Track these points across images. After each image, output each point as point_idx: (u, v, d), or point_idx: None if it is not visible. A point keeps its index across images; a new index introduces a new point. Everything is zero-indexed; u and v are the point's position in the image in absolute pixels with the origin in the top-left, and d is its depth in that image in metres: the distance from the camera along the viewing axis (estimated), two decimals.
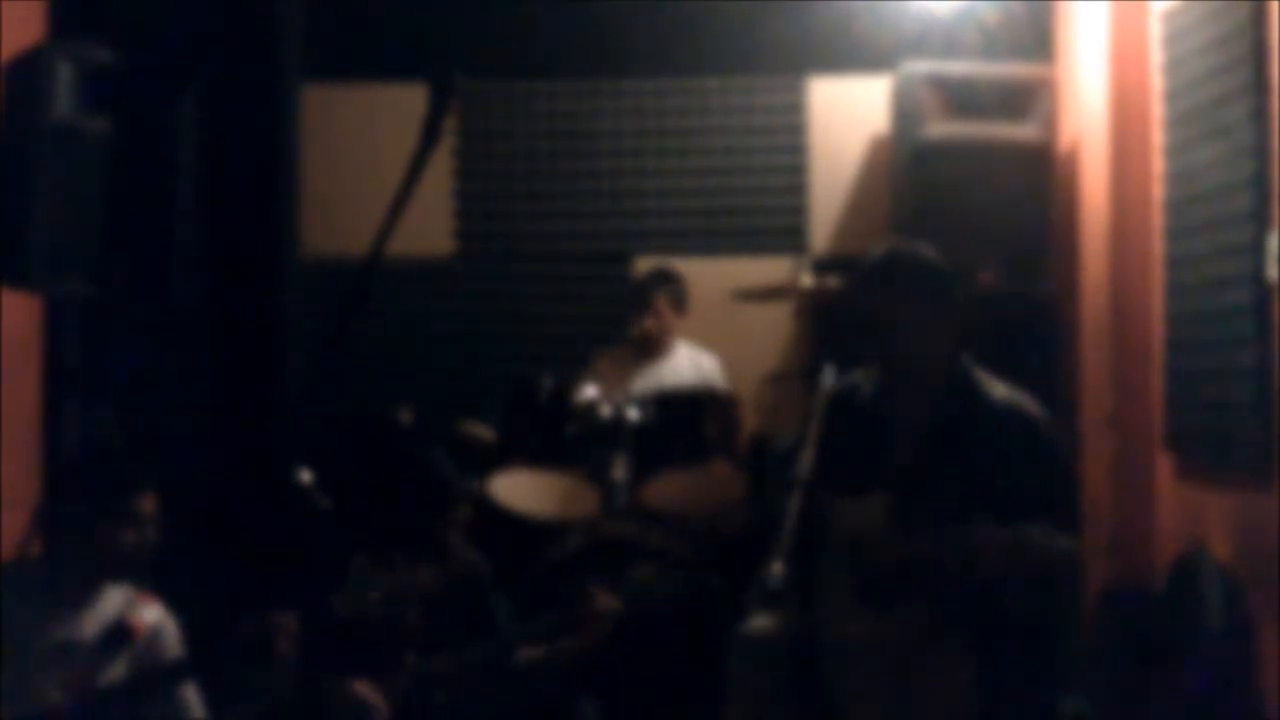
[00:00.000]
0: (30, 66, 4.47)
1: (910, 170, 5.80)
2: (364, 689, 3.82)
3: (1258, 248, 4.15)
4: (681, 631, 4.47)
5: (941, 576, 3.73)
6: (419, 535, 4.17)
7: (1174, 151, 4.80)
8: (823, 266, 6.28)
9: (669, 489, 5.31)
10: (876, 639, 3.78)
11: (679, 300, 6.11)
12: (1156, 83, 4.96)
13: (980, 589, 3.74)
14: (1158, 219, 4.94)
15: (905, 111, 5.88)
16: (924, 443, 3.91)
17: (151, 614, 3.75)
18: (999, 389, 3.92)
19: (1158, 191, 4.93)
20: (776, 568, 3.57)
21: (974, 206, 5.67)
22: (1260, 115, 4.16)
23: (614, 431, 5.29)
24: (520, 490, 5.33)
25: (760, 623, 3.88)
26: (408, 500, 4.19)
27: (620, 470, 5.24)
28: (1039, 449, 3.85)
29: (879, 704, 3.77)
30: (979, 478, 3.76)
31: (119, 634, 3.67)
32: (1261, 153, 4.15)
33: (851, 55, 6.51)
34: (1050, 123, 5.82)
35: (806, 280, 5.72)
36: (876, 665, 3.77)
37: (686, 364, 6.10)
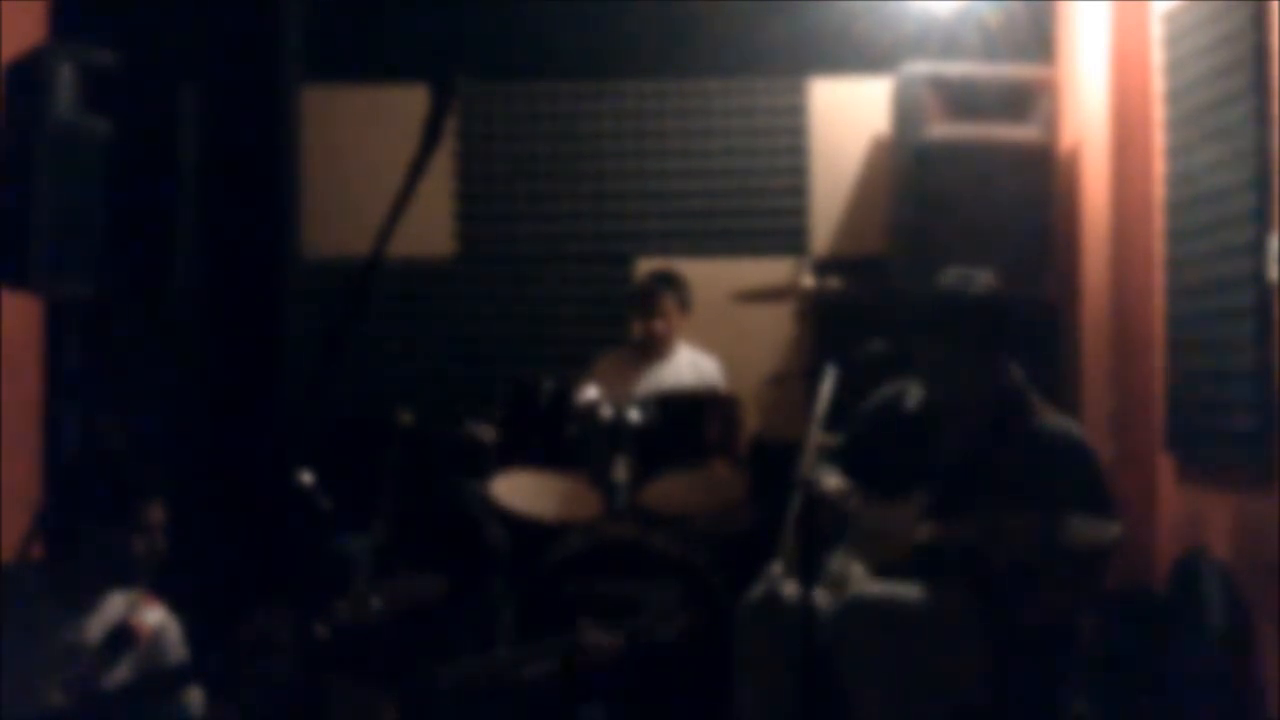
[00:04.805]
0: (31, 67, 4.48)
1: (911, 171, 5.79)
2: (370, 692, 3.83)
3: (1258, 249, 4.15)
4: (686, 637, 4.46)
5: (975, 562, 3.74)
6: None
7: (1175, 153, 4.80)
8: (824, 267, 6.27)
9: (670, 490, 5.30)
10: (889, 611, 3.79)
11: (684, 302, 6.12)
12: (1157, 84, 4.96)
13: (1007, 580, 3.74)
14: (1159, 220, 4.94)
15: (906, 112, 5.88)
16: (967, 457, 3.93)
17: (154, 616, 3.75)
18: (1047, 412, 3.96)
19: (1159, 193, 4.93)
20: (777, 569, 3.58)
21: (975, 208, 5.66)
22: (1261, 117, 4.16)
23: (615, 433, 5.28)
24: (521, 492, 5.33)
25: (766, 591, 3.88)
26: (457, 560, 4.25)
27: (621, 471, 5.24)
28: (1082, 471, 3.88)
29: (884, 678, 3.77)
30: (1019, 492, 3.78)
31: (122, 637, 3.66)
32: (1262, 154, 4.15)
33: (852, 56, 6.50)
34: (1051, 124, 5.82)
35: (807, 281, 5.70)
36: (885, 639, 3.78)
37: (687, 366, 6.10)
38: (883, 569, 3.93)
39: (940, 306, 4.01)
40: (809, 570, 3.63)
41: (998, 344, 3.99)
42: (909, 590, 3.84)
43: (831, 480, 3.99)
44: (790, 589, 3.76)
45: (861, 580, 3.93)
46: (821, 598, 3.77)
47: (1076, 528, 3.68)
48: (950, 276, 4.07)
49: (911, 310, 4.11)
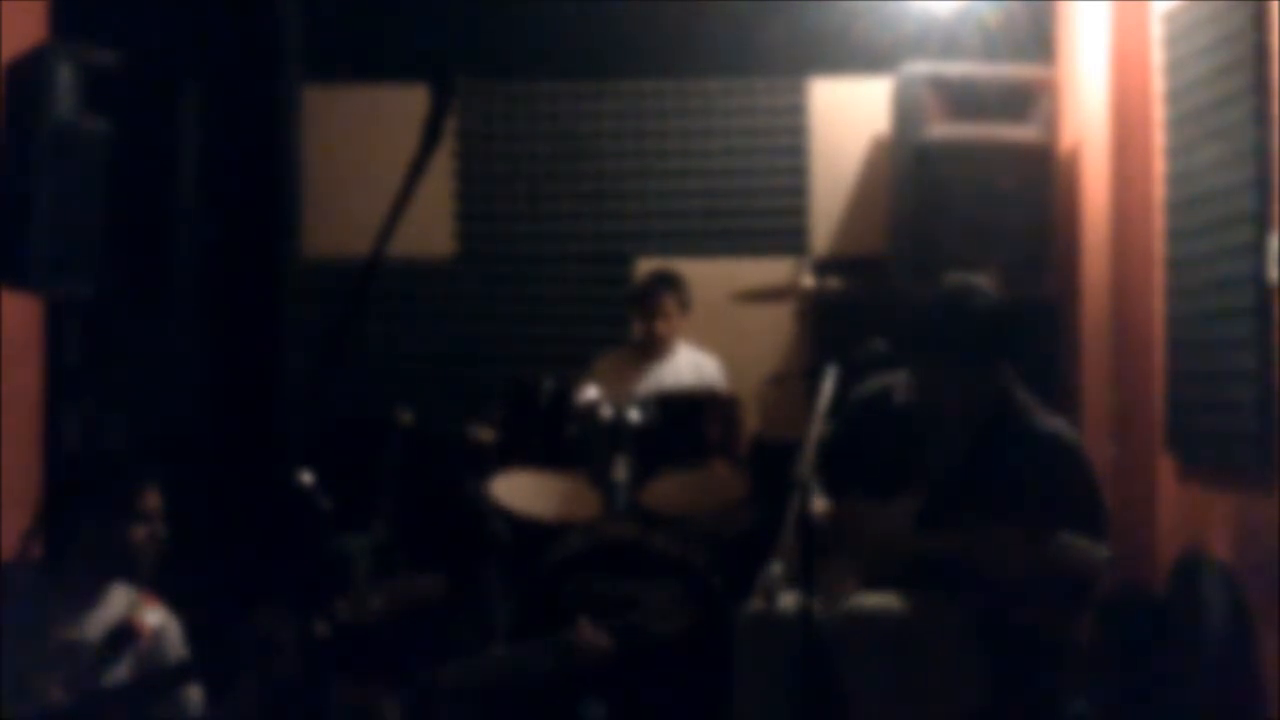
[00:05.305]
0: (31, 67, 4.47)
1: (911, 171, 5.79)
2: (372, 690, 3.83)
3: (1259, 249, 4.15)
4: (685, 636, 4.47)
5: (965, 574, 3.74)
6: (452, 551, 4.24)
7: (1175, 153, 4.80)
8: (823, 267, 6.28)
9: (670, 490, 5.30)
10: (885, 623, 3.79)
11: (684, 302, 6.13)
12: (1157, 84, 4.96)
13: (1003, 589, 3.74)
14: (1159, 220, 4.93)
15: (906, 112, 5.88)
16: (960, 457, 3.92)
17: (155, 616, 3.76)
18: (1040, 414, 3.95)
19: (1159, 193, 4.93)
20: (776, 568, 3.57)
21: (975, 208, 5.67)
22: (1261, 117, 4.16)
23: (615, 432, 5.28)
24: (521, 492, 5.33)
25: (764, 605, 3.88)
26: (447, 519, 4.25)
27: (621, 471, 5.24)
28: (1075, 475, 3.87)
29: (883, 690, 3.77)
30: (1013, 496, 3.78)
31: (123, 635, 3.67)
32: (1262, 154, 4.15)
33: (852, 56, 6.50)
34: (1051, 124, 5.82)
35: (807, 281, 5.72)
36: (884, 647, 3.77)
37: (687, 365, 6.11)
38: (875, 573, 3.91)
39: (942, 318, 3.98)
40: (808, 575, 3.63)
41: (999, 354, 3.98)
42: (903, 601, 3.83)
43: (818, 503, 3.97)
44: (789, 599, 3.77)
45: (854, 589, 3.91)
46: (819, 604, 3.76)
47: (1068, 549, 3.68)
48: (951, 283, 4.05)
49: (912, 320, 4.09)
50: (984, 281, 4.04)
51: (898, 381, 4.10)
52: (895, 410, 4.06)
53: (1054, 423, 3.98)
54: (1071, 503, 3.81)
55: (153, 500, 3.72)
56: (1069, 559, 3.69)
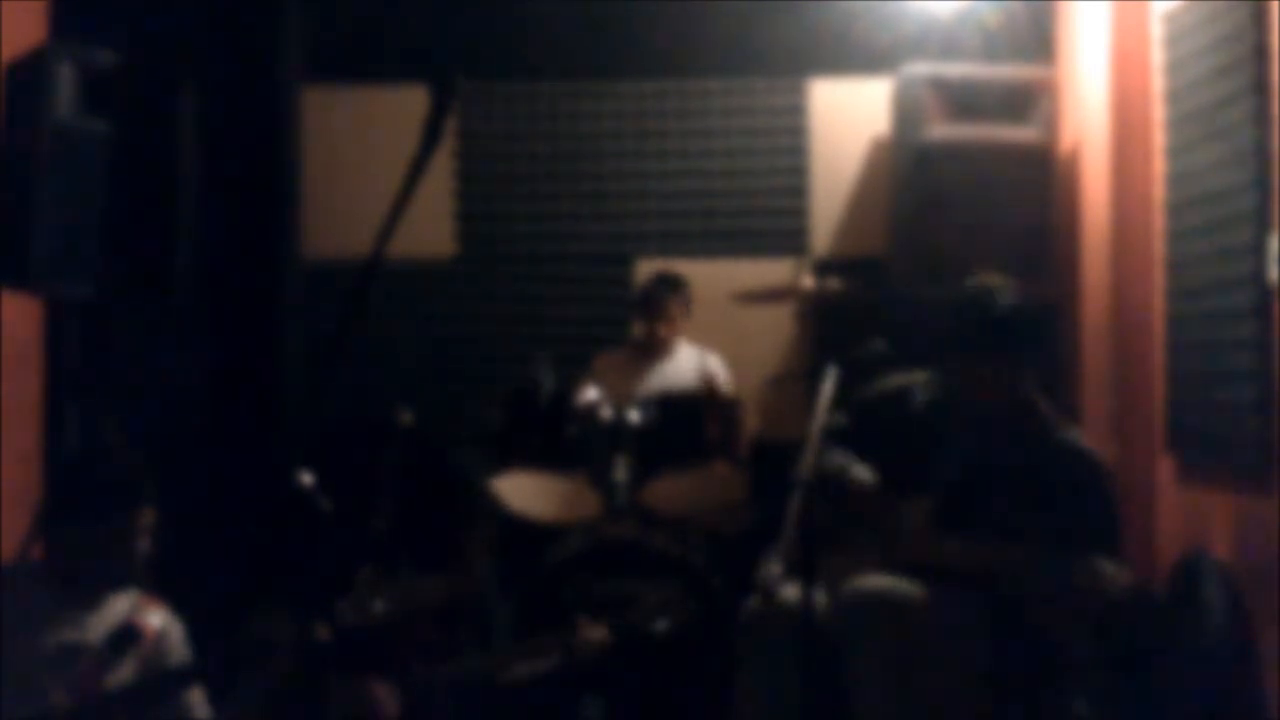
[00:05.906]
0: (31, 67, 4.47)
1: (911, 172, 5.80)
2: (376, 685, 3.84)
3: (1259, 250, 4.15)
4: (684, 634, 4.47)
5: (984, 583, 3.75)
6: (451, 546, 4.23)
7: (1175, 153, 4.80)
8: (824, 268, 6.28)
9: (670, 490, 5.31)
10: (890, 604, 3.79)
11: (687, 305, 6.13)
12: (1157, 84, 4.96)
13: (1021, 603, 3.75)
14: (1159, 221, 4.93)
15: (906, 113, 5.88)
16: (982, 460, 3.92)
17: (157, 617, 3.76)
18: (1063, 424, 3.96)
19: (1159, 193, 4.93)
20: (775, 568, 3.58)
21: (975, 208, 5.67)
22: (1261, 117, 4.16)
23: (615, 433, 5.29)
24: (521, 492, 5.33)
25: (769, 602, 3.88)
26: (447, 514, 4.25)
27: (621, 472, 5.24)
28: (1097, 491, 3.88)
29: (884, 672, 3.77)
30: (1034, 504, 3.78)
31: (126, 637, 3.67)
32: (1262, 154, 4.15)
33: (852, 57, 6.51)
34: (1051, 124, 5.82)
35: (807, 282, 5.70)
36: (886, 631, 3.78)
37: (689, 363, 6.11)
38: (889, 570, 3.92)
39: (968, 320, 3.98)
40: (809, 570, 3.63)
41: (1023, 355, 3.98)
42: (910, 585, 3.84)
43: (860, 470, 3.98)
44: (791, 593, 3.77)
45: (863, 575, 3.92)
46: (821, 599, 3.77)
47: (1095, 575, 3.68)
48: (975, 285, 4.05)
49: (938, 321, 4.09)
50: (1000, 281, 4.04)
51: (916, 384, 4.11)
52: (912, 413, 4.07)
53: (1076, 434, 4.00)
54: (1091, 517, 3.82)
55: (146, 518, 3.72)
56: (1097, 584, 3.70)
